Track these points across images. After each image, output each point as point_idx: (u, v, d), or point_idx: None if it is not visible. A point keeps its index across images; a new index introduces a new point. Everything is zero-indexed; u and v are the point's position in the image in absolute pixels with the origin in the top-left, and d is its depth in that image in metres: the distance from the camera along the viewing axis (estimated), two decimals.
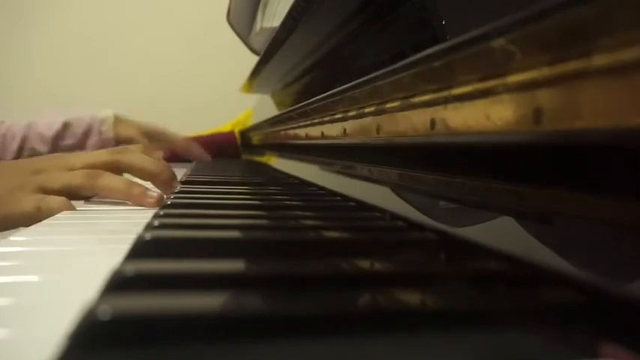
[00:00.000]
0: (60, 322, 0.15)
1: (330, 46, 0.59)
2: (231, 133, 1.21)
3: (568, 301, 0.16)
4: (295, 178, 0.60)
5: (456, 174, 0.27)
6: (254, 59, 0.87)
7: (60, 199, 0.48)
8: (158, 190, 0.51)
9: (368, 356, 0.14)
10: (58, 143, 1.00)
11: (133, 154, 0.55)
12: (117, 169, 0.52)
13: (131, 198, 0.50)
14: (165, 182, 0.54)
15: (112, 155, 0.53)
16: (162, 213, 0.31)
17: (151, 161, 0.55)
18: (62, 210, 0.47)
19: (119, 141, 1.02)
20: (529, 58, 0.18)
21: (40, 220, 0.44)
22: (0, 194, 0.48)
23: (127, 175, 0.54)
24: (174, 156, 1.05)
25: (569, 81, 0.16)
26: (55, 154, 0.58)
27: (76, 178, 0.50)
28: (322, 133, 0.49)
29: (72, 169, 0.51)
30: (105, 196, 0.51)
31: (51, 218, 0.36)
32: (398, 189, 0.34)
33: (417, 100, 0.27)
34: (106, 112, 1.04)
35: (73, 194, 0.49)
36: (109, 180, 0.50)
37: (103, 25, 1.62)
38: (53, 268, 0.23)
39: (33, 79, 1.57)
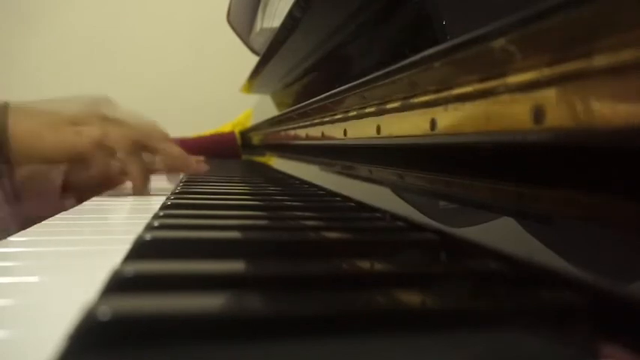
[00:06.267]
0: (60, 322, 0.15)
1: (330, 47, 0.59)
2: (231, 134, 1.21)
3: (568, 302, 0.16)
4: (295, 178, 0.60)
5: (456, 174, 0.27)
6: (254, 59, 0.87)
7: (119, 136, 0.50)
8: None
9: (368, 356, 0.14)
10: None
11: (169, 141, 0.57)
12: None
13: (187, 168, 0.55)
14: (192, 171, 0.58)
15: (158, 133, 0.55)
16: (162, 214, 0.31)
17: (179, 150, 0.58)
18: (126, 141, 0.49)
19: None
20: (529, 59, 0.18)
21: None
22: (43, 129, 0.50)
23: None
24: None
25: (569, 81, 0.16)
26: (93, 105, 0.56)
27: (128, 131, 0.52)
28: (322, 133, 0.49)
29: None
30: (162, 158, 0.54)
31: (51, 219, 0.36)
32: (398, 189, 0.34)
33: (417, 100, 0.27)
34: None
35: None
36: (163, 142, 0.54)
37: (104, 26, 1.62)
38: (53, 269, 0.23)
39: (33, 80, 1.57)
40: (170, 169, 0.56)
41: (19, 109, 0.51)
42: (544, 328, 0.15)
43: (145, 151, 0.54)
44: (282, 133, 0.73)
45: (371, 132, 0.35)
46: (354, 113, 0.39)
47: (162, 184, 0.60)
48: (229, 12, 0.96)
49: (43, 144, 0.50)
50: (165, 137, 0.58)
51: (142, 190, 0.54)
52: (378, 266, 0.21)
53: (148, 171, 0.54)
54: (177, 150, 0.58)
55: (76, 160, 0.52)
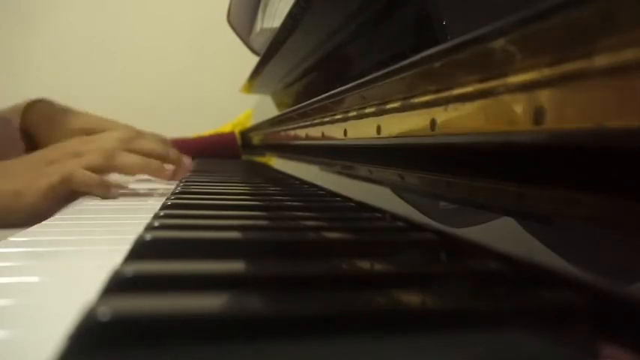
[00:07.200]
0: (60, 322, 0.15)
1: (330, 47, 0.59)
2: (231, 134, 1.21)
3: (568, 302, 0.16)
4: (295, 178, 0.60)
5: (456, 174, 0.27)
6: (254, 59, 0.87)
7: (85, 171, 0.49)
8: (172, 165, 0.54)
9: (368, 356, 0.14)
10: None
11: (141, 140, 0.56)
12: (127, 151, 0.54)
13: (150, 171, 0.53)
14: (173, 162, 0.56)
15: (120, 143, 0.54)
16: (162, 214, 0.31)
17: (158, 145, 0.57)
18: (90, 180, 0.48)
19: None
20: (529, 59, 0.18)
21: (65, 195, 0.46)
22: (19, 188, 0.49)
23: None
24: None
25: (569, 81, 0.16)
26: (62, 143, 0.57)
27: (92, 160, 0.51)
28: (322, 133, 0.49)
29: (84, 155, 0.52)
30: (123, 173, 0.53)
31: (51, 219, 0.36)
32: (398, 189, 0.35)
33: (417, 100, 0.27)
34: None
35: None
36: (126, 158, 0.52)
37: (104, 27, 1.62)
38: (53, 269, 0.23)
39: (34, 81, 1.57)
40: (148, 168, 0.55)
41: None
42: (544, 328, 0.15)
43: (127, 151, 0.53)
44: (282, 133, 0.73)
45: (371, 132, 0.35)
46: (354, 113, 0.39)
47: (161, 185, 0.60)
48: (229, 12, 0.96)
49: (30, 198, 0.48)
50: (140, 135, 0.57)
51: (161, 171, 0.53)
52: (378, 266, 0.21)
53: (146, 157, 0.54)
54: (153, 147, 0.56)
55: (62, 197, 0.51)
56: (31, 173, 0.50)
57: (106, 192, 0.50)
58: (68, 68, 1.59)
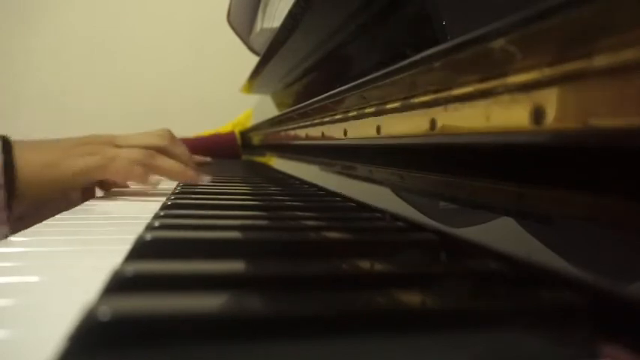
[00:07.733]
0: (60, 322, 0.15)
1: (330, 47, 0.59)
2: (231, 134, 1.21)
3: (568, 302, 0.16)
4: (295, 178, 0.60)
5: (456, 174, 0.27)
6: (254, 59, 0.87)
7: (128, 160, 0.50)
8: (207, 176, 0.56)
9: (368, 356, 0.14)
10: None
11: (179, 146, 0.58)
12: (162, 153, 0.55)
13: (185, 179, 0.54)
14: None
15: (161, 140, 0.55)
16: (162, 214, 0.31)
17: (189, 156, 0.59)
18: (132, 169, 0.49)
19: None
20: (529, 59, 0.18)
21: (93, 181, 0.48)
22: (49, 159, 0.49)
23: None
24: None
25: (569, 81, 0.16)
26: (99, 134, 0.57)
27: (133, 155, 0.52)
28: (322, 133, 0.49)
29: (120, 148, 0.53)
30: (158, 175, 0.54)
31: (51, 219, 0.36)
32: (398, 189, 0.34)
33: (417, 100, 0.27)
34: None
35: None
36: (166, 161, 0.54)
37: (104, 27, 1.62)
38: (53, 269, 0.23)
39: (34, 81, 1.57)
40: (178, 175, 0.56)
41: (23, 143, 0.51)
42: (544, 328, 0.15)
43: (162, 154, 0.54)
44: (282, 133, 0.73)
45: (371, 132, 0.35)
46: (354, 113, 0.39)
47: (161, 185, 0.60)
48: (229, 12, 0.96)
49: (60, 172, 0.49)
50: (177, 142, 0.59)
51: (193, 175, 0.54)
52: (378, 266, 0.21)
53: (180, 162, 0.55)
54: (187, 156, 0.58)
55: (95, 181, 0.52)
56: (65, 150, 0.51)
57: (145, 181, 0.51)
58: (68, 68, 1.59)
